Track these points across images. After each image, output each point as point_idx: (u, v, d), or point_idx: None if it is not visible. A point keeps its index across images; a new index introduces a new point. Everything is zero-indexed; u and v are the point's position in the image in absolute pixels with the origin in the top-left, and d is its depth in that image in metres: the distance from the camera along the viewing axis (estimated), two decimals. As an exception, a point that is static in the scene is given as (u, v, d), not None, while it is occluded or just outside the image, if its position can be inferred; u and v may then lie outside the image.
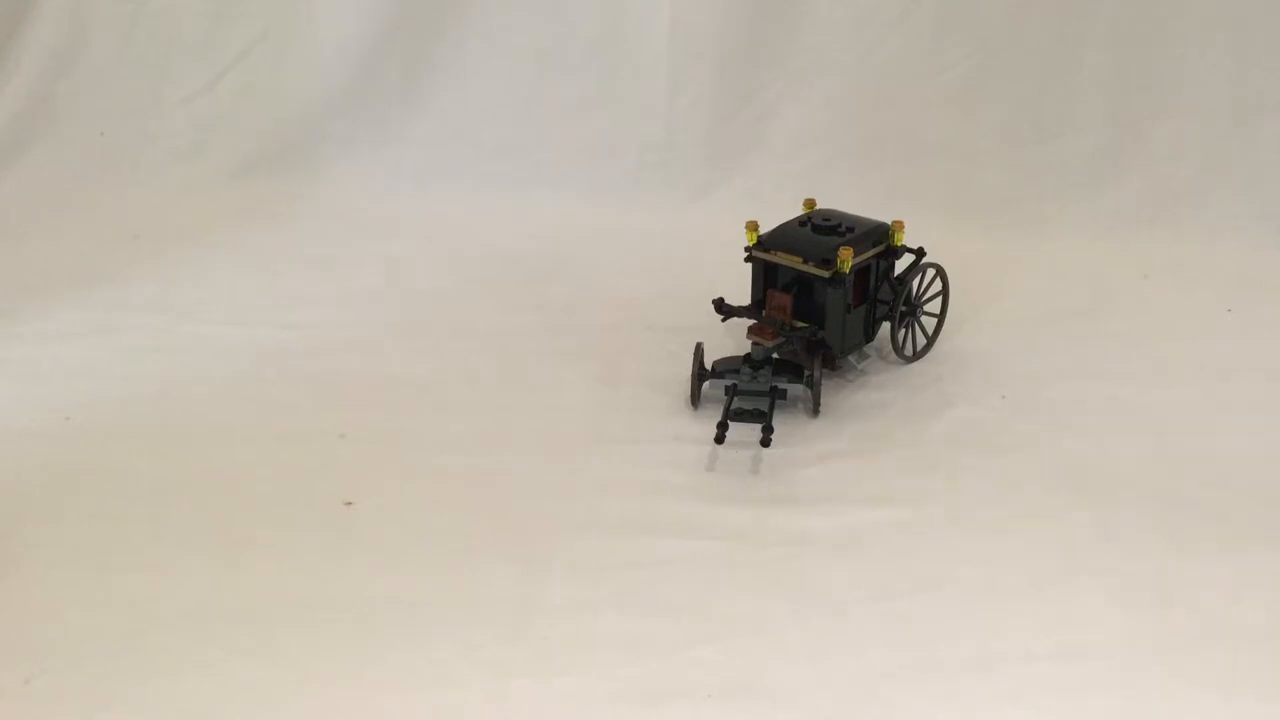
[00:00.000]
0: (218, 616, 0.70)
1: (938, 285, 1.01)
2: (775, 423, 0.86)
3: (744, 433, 0.87)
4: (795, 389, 0.92)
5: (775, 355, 0.91)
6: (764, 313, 0.93)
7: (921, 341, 1.01)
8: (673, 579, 0.73)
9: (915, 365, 1.00)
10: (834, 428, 0.90)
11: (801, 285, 0.93)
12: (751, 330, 0.91)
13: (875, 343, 1.00)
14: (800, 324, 0.92)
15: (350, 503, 0.81)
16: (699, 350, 0.92)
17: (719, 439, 0.85)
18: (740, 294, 0.96)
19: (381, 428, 0.91)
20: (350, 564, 0.75)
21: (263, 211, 1.32)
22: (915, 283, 0.98)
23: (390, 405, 0.94)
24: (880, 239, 0.95)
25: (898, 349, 0.98)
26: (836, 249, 0.90)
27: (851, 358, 0.99)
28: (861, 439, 0.89)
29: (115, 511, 0.80)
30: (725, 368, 0.92)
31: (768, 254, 0.93)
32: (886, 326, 0.98)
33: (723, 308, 0.94)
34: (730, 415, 0.87)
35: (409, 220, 1.30)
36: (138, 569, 0.75)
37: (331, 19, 1.39)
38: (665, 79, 1.33)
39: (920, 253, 0.98)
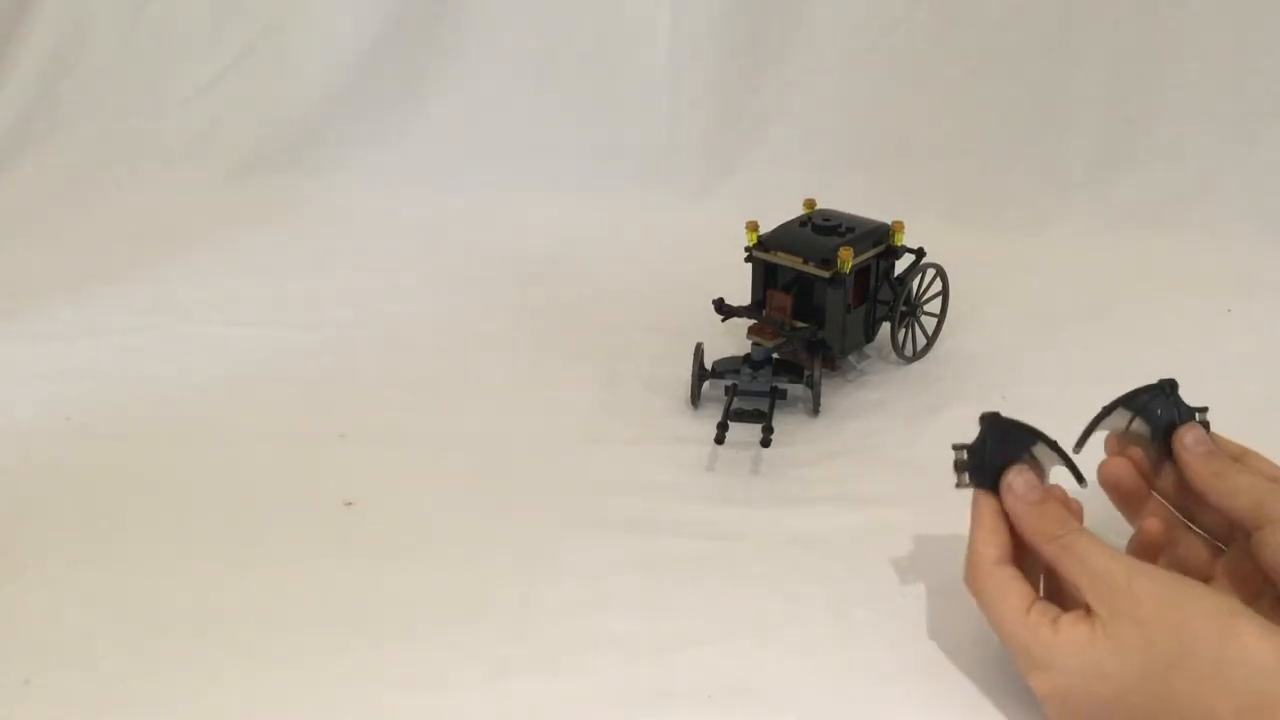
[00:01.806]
0: (218, 616, 0.70)
1: (938, 285, 1.01)
2: (775, 423, 0.86)
3: (744, 433, 0.87)
4: (795, 389, 0.92)
5: (775, 355, 0.91)
6: (764, 313, 0.93)
7: (921, 341, 1.01)
8: (672, 579, 0.73)
9: (915, 365, 1.00)
10: (834, 428, 0.90)
11: (801, 285, 0.93)
12: (751, 330, 0.91)
13: (875, 343, 1.00)
14: (800, 324, 0.92)
15: (350, 503, 0.81)
16: (699, 350, 0.92)
17: (719, 439, 0.85)
18: (740, 294, 0.96)
19: (381, 428, 0.91)
20: (350, 564, 0.75)
21: (263, 211, 1.32)
22: (915, 283, 0.98)
23: (390, 405, 0.94)
24: (880, 239, 0.95)
25: (898, 349, 0.98)
26: (836, 249, 0.90)
27: (851, 358, 0.99)
28: (861, 439, 0.89)
29: (115, 511, 0.80)
30: (725, 368, 0.92)
31: (768, 254, 0.93)
32: (886, 326, 0.98)
33: (723, 308, 0.94)
34: (730, 415, 0.87)
35: (409, 220, 1.30)
36: (138, 569, 0.74)
37: (331, 19, 1.39)
38: (665, 79, 1.33)
39: (920, 253, 0.98)
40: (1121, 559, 0.58)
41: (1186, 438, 0.65)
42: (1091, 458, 0.67)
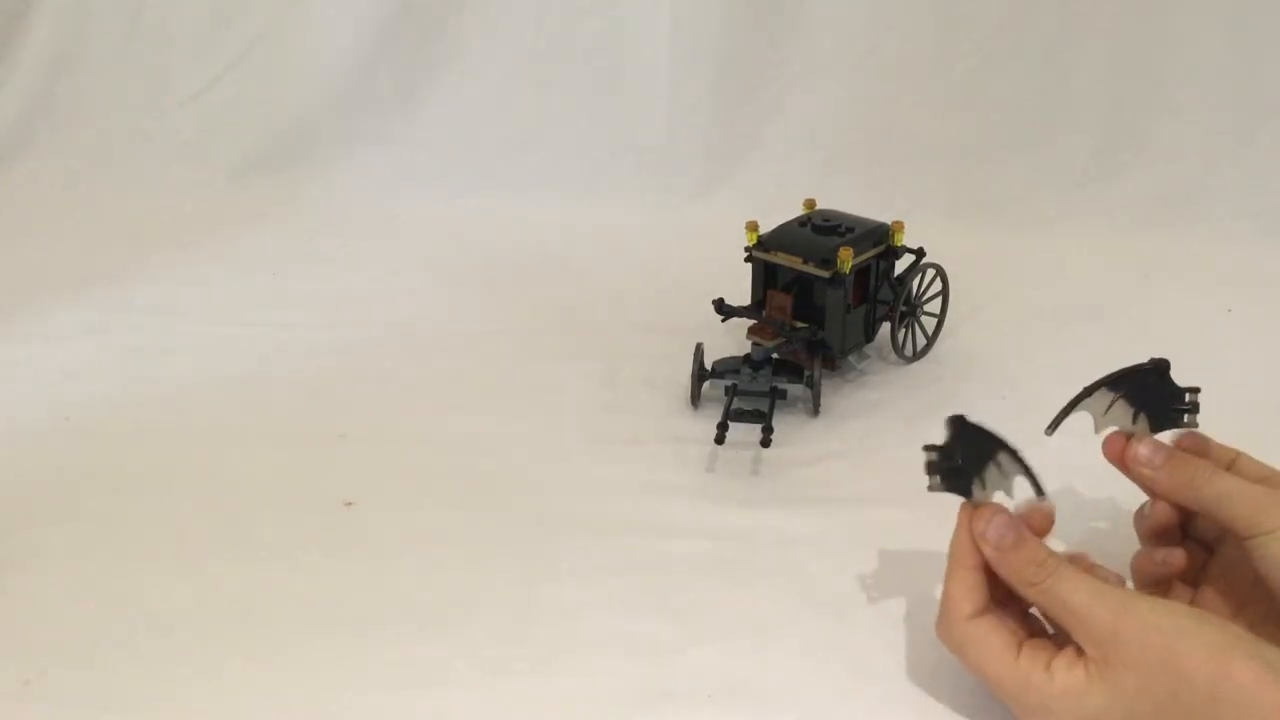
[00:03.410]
0: (217, 616, 0.70)
1: (938, 285, 1.01)
2: (775, 423, 0.86)
3: (744, 433, 0.87)
4: (795, 389, 0.92)
5: (775, 355, 0.91)
6: (764, 313, 0.93)
7: (921, 341, 1.01)
8: (673, 579, 0.73)
9: (915, 365, 1.00)
10: (834, 428, 0.90)
11: (801, 285, 0.93)
12: (751, 330, 0.91)
13: (875, 343, 1.00)
14: (800, 324, 0.92)
15: (350, 503, 0.81)
16: (699, 350, 0.92)
17: (719, 439, 0.85)
18: (740, 294, 0.96)
19: (381, 428, 0.91)
20: (350, 564, 0.75)
21: (263, 211, 1.32)
22: (915, 283, 0.98)
23: (390, 405, 0.94)
24: (880, 239, 0.95)
25: (898, 349, 0.98)
26: (836, 249, 0.90)
27: (851, 358, 0.99)
28: (861, 439, 0.89)
29: (115, 511, 0.80)
30: (725, 368, 0.92)
31: (768, 254, 0.93)
32: (886, 326, 0.98)
33: (723, 308, 0.94)
34: (730, 415, 0.87)
35: (409, 220, 1.30)
36: (137, 569, 0.74)
37: (330, 19, 1.39)
38: (665, 79, 1.33)
39: (920, 253, 0.98)
40: (1106, 598, 0.56)
41: (1140, 454, 0.63)
42: (1077, 448, 0.66)
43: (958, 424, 0.62)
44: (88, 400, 0.94)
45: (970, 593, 0.60)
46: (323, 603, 0.71)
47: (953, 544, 0.62)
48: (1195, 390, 0.65)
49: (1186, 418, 0.65)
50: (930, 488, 0.62)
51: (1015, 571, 0.59)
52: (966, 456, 0.62)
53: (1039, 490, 0.61)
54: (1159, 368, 0.65)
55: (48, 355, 1.01)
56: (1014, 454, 0.61)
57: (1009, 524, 0.60)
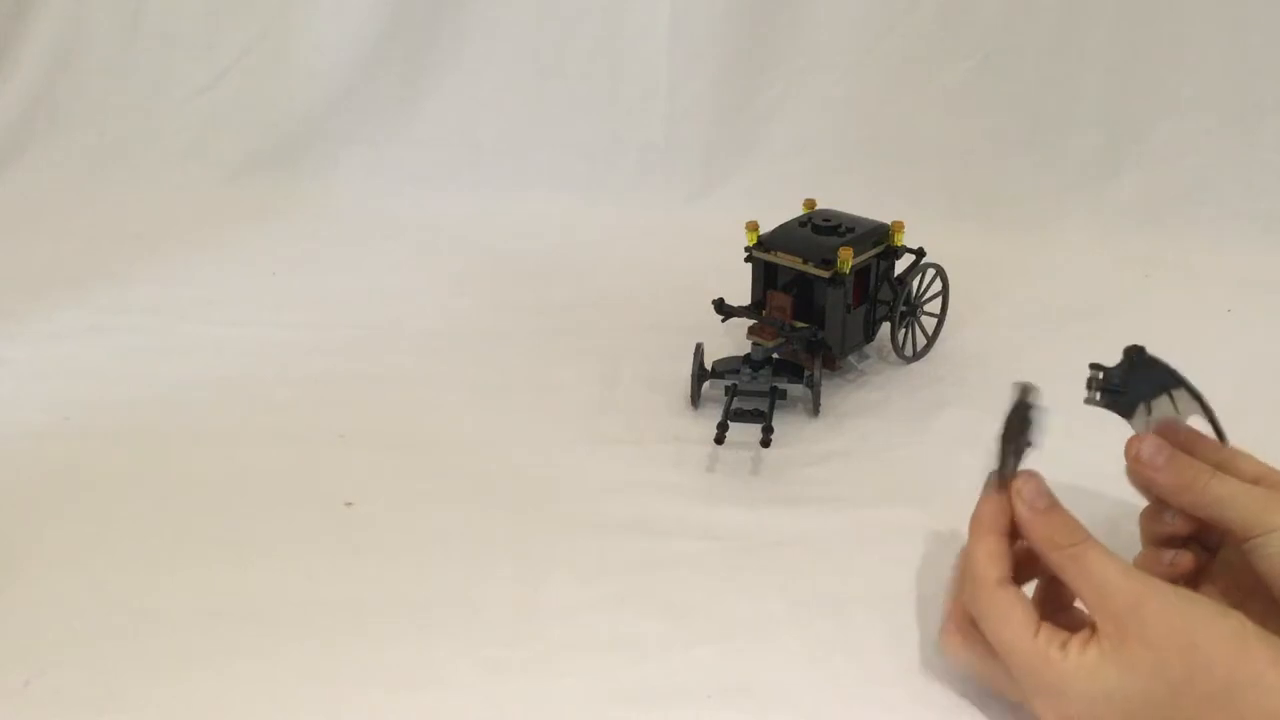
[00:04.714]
0: (218, 617, 0.70)
1: (938, 285, 1.01)
2: (775, 423, 0.86)
3: (744, 433, 0.87)
4: (795, 389, 0.92)
5: (775, 355, 0.91)
6: (764, 313, 0.93)
7: (921, 341, 1.01)
8: (673, 579, 0.73)
9: (915, 365, 1.00)
10: (834, 428, 0.90)
11: (801, 285, 0.93)
12: (751, 330, 0.91)
13: (875, 343, 1.00)
14: (800, 324, 0.92)
15: (350, 503, 0.81)
16: (699, 350, 0.92)
17: (719, 439, 0.85)
18: (740, 294, 0.96)
19: (381, 428, 0.91)
20: (350, 564, 0.75)
21: (263, 211, 1.32)
22: (915, 283, 0.98)
23: (390, 405, 0.94)
24: (880, 239, 0.95)
25: (898, 349, 0.98)
26: (836, 249, 0.90)
27: (851, 358, 0.99)
28: (861, 439, 0.89)
29: (115, 512, 0.80)
30: (725, 368, 0.92)
31: (768, 254, 0.93)
32: (886, 326, 0.98)
33: (723, 308, 0.94)
34: (730, 415, 0.87)
35: (409, 220, 1.30)
36: (138, 569, 0.75)
37: (331, 18, 1.39)
38: (665, 79, 1.33)
39: (920, 253, 0.98)
40: (1132, 576, 0.56)
41: (1142, 453, 0.63)
42: (1078, 449, 0.66)
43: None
44: (88, 400, 0.94)
45: (996, 559, 0.60)
46: (323, 602, 0.71)
47: (978, 513, 0.63)
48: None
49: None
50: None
51: (1046, 535, 0.60)
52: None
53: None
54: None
55: (48, 355, 1.01)
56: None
57: (1043, 489, 0.61)
